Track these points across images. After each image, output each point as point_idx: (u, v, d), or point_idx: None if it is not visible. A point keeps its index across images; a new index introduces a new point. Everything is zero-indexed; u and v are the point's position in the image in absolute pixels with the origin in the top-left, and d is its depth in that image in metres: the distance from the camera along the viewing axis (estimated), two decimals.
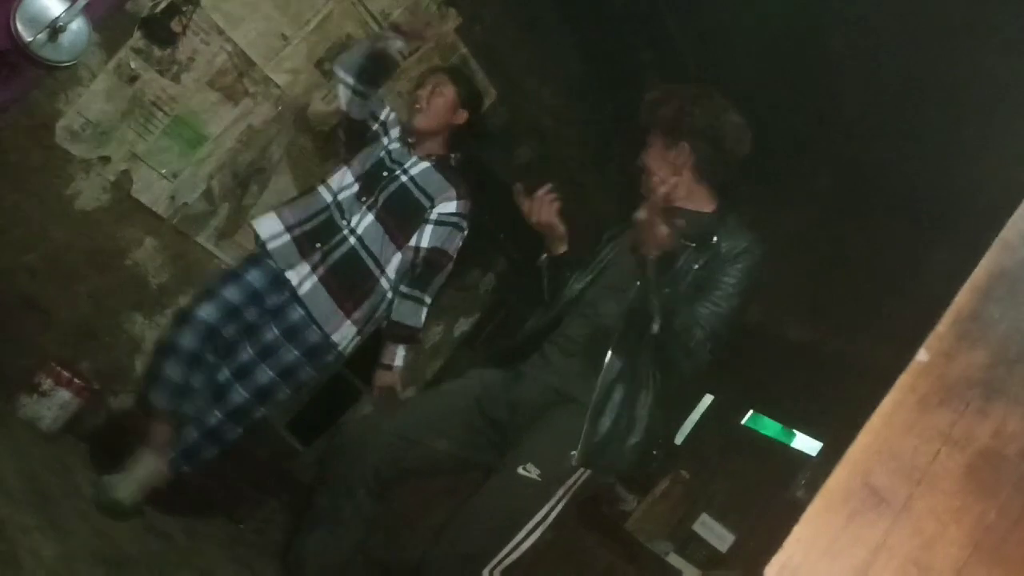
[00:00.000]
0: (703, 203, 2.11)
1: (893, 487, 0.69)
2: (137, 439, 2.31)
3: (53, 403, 2.37)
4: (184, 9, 2.40)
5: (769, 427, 4.03)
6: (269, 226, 2.42)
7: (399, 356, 2.52)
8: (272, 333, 2.39)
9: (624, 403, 1.90)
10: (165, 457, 2.29)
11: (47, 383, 2.37)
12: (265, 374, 2.37)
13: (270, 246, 2.40)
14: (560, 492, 1.90)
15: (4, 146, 2.26)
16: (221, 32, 2.50)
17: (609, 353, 1.91)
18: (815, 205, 3.33)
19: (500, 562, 1.85)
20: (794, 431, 3.96)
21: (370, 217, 2.46)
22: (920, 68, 2.39)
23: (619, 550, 3.30)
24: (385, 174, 2.52)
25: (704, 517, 3.49)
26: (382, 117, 2.62)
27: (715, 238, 1.98)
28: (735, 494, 3.61)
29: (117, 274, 2.59)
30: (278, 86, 2.68)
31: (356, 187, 2.49)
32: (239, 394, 2.37)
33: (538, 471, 1.91)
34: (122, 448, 2.32)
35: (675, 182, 1.93)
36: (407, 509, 2.98)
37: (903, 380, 0.75)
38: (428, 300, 2.54)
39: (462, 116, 2.60)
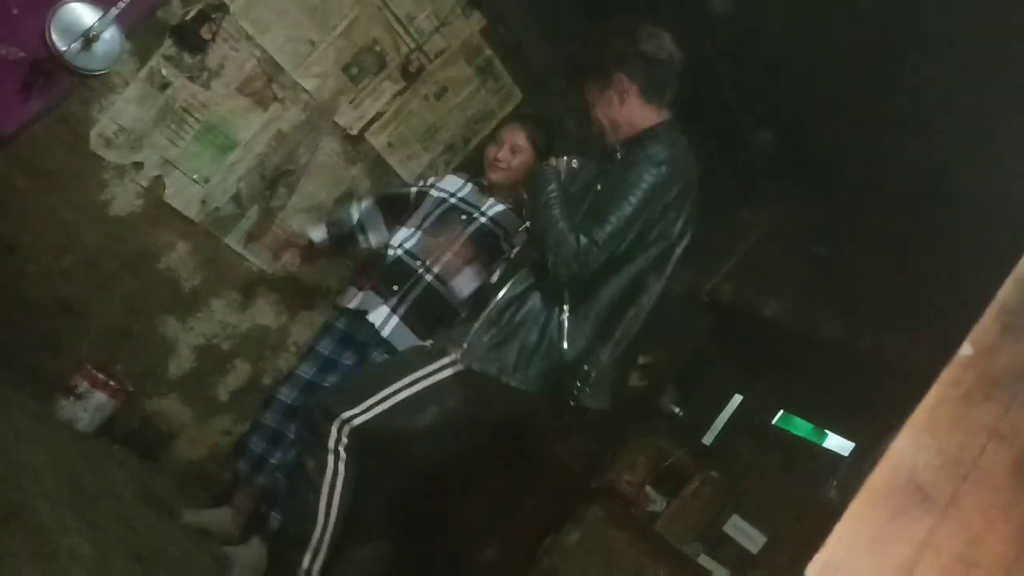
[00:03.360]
0: (652, 119, 2.07)
1: (938, 483, 0.68)
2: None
3: (89, 405, 2.42)
4: (214, 16, 2.43)
5: (800, 427, 3.98)
6: (354, 299, 2.63)
7: None
8: (352, 362, 2.59)
9: (524, 317, 1.92)
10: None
11: (83, 385, 2.41)
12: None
13: (350, 304, 2.62)
14: (445, 360, 1.95)
15: (40, 153, 2.31)
16: (250, 38, 2.53)
17: (522, 269, 1.99)
18: (849, 199, 3.28)
19: (358, 415, 1.91)
20: (826, 431, 3.90)
21: (448, 254, 2.57)
22: (957, 58, 2.35)
23: (649, 551, 3.28)
24: (464, 218, 2.62)
25: (735, 518, 3.45)
26: (430, 183, 2.77)
27: (639, 146, 1.98)
28: (766, 495, 3.57)
29: (150, 278, 2.63)
30: (306, 91, 2.71)
31: (425, 233, 2.60)
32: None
33: (431, 341, 2.09)
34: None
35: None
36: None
37: (947, 374, 0.73)
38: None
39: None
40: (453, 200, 2.67)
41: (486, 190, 2.69)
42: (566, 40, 3.37)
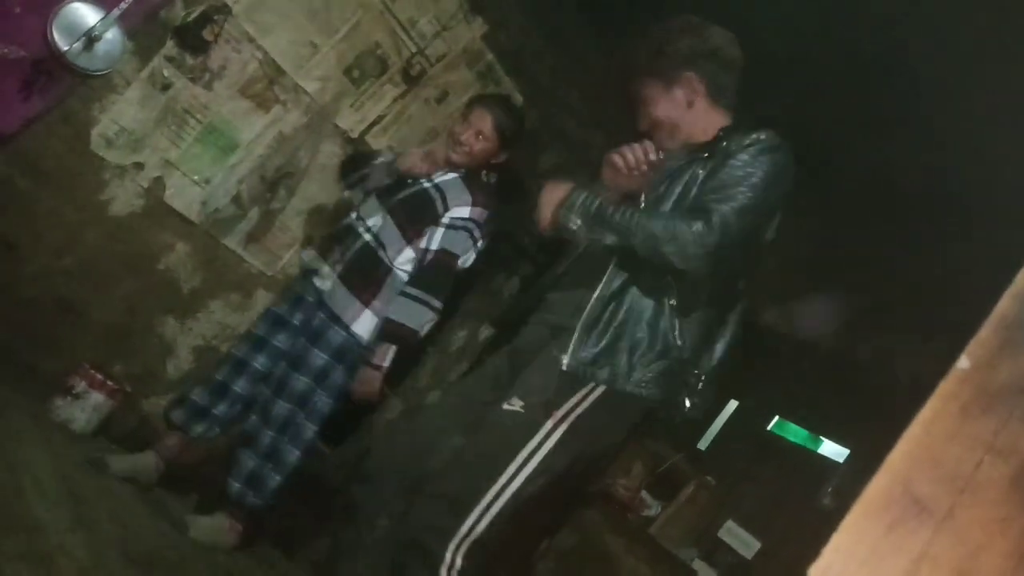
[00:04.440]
0: (719, 123, 1.92)
1: (935, 496, 0.68)
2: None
3: (87, 405, 2.41)
4: (216, 18, 2.43)
5: (795, 433, 3.99)
6: (310, 254, 2.61)
7: (388, 357, 2.44)
8: (300, 343, 2.48)
9: (627, 315, 1.72)
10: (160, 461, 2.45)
11: (81, 386, 2.41)
12: (299, 381, 2.44)
13: (306, 258, 2.59)
14: (548, 424, 1.69)
15: (41, 153, 2.31)
16: (252, 40, 2.53)
17: (610, 267, 1.78)
18: (848, 207, 3.29)
19: (475, 523, 1.65)
20: (821, 437, 3.91)
21: (383, 212, 2.53)
22: (958, 68, 2.36)
23: (644, 556, 3.28)
24: (410, 181, 2.56)
25: (730, 524, 3.46)
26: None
27: (724, 142, 1.81)
28: (761, 501, 3.58)
29: (150, 278, 2.63)
30: (308, 93, 2.71)
31: (376, 197, 2.57)
32: (281, 406, 2.43)
33: (521, 403, 1.73)
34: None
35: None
36: None
37: (944, 387, 0.74)
38: (435, 303, 2.46)
39: (501, 158, 2.62)
40: None
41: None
42: (567, 46, 3.38)
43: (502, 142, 2.58)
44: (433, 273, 2.48)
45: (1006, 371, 0.74)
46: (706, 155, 1.83)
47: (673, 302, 1.73)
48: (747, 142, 1.76)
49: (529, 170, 3.32)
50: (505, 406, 1.74)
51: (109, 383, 2.46)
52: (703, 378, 1.80)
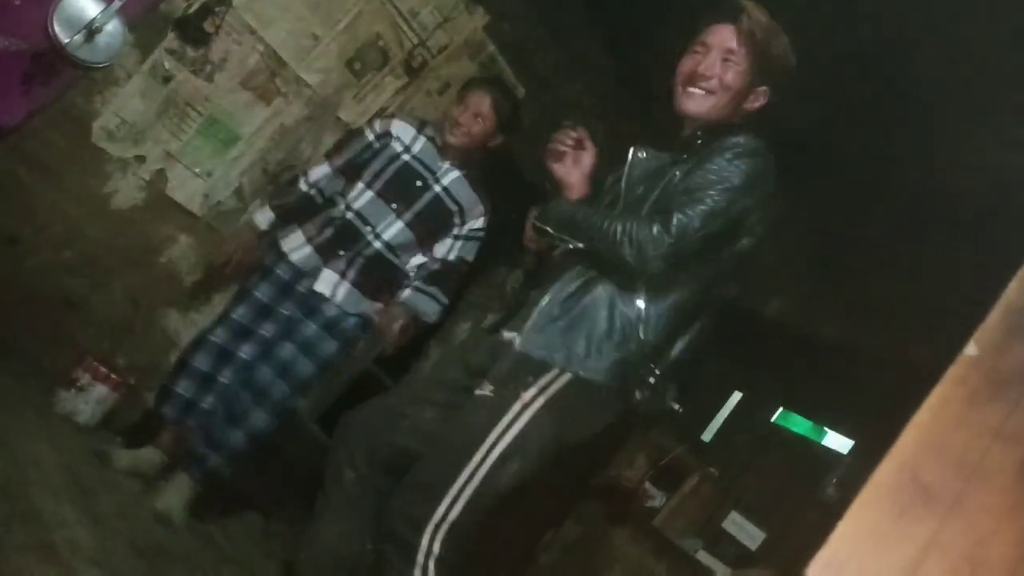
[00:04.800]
0: (729, 117, 1.88)
1: (943, 483, 0.68)
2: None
3: (90, 398, 2.42)
4: (217, 10, 2.42)
5: (799, 424, 3.99)
6: (292, 240, 2.52)
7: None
8: (292, 312, 2.49)
9: (590, 303, 1.76)
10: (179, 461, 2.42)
11: (84, 378, 2.41)
12: (286, 349, 2.43)
13: (293, 257, 2.50)
14: (516, 407, 1.70)
15: (42, 146, 2.31)
16: (253, 32, 2.53)
17: (578, 262, 1.83)
18: (852, 195, 3.27)
19: (449, 508, 1.66)
20: (825, 428, 3.91)
21: (399, 224, 2.53)
22: (960, 59, 2.35)
23: (648, 547, 3.29)
24: (419, 184, 2.56)
25: (734, 515, 3.46)
26: (379, 131, 2.63)
27: (700, 141, 1.82)
28: (765, 492, 3.58)
29: (152, 271, 2.64)
30: (309, 85, 2.71)
31: (378, 195, 2.54)
32: (264, 373, 2.41)
33: (491, 387, 1.76)
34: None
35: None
36: None
37: (952, 374, 0.73)
38: (445, 301, 2.59)
39: (498, 140, 2.62)
40: (407, 157, 2.57)
41: (440, 150, 2.60)
42: (569, 38, 3.37)
43: (500, 123, 2.58)
44: (451, 278, 2.60)
45: (1014, 357, 0.73)
46: (685, 156, 1.84)
47: (640, 297, 1.76)
48: (725, 145, 1.76)
49: (530, 164, 3.31)
50: (477, 392, 1.78)
51: (113, 376, 2.46)
52: (657, 372, 1.80)
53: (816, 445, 3.86)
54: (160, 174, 2.53)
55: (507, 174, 2.76)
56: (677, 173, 1.81)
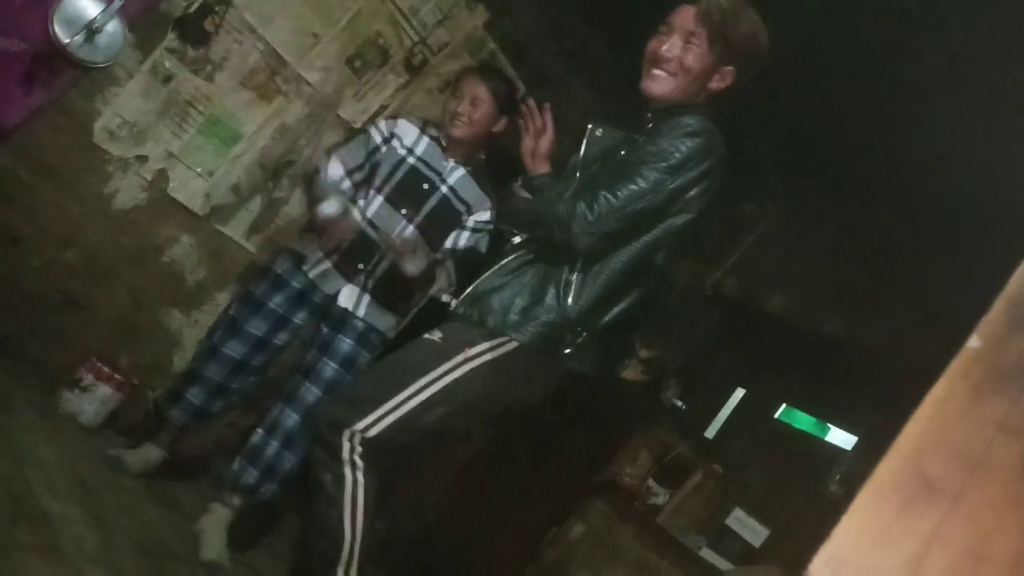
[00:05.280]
0: (693, 97, 1.92)
1: (947, 476, 0.67)
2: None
3: (94, 398, 2.42)
4: (217, 9, 2.42)
5: (802, 421, 3.98)
6: (319, 268, 2.51)
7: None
8: (311, 353, 2.52)
9: (524, 270, 1.91)
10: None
11: (88, 378, 2.42)
12: (328, 368, 2.47)
13: (312, 273, 2.50)
14: (459, 357, 1.84)
15: (43, 146, 2.31)
16: (253, 31, 2.52)
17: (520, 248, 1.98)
18: (855, 190, 3.27)
19: (370, 425, 1.80)
20: (828, 425, 3.90)
21: (411, 229, 2.53)
22: (965, 57, 2.34)
23: (651, 544, 3.28)
24: (426, 186, 2.56)
25: (737, 512, 3.45)
26: (388, 134, 2.63)
27: (651, 123, 1.90)
28: (769, 489, 3.57)
29: (155, 271, 2.63)
30: (310, 84, 2.70)
31: (387, 200, 2.54)
32: (311, 392, 2.45)
33: (441, 335, 1.91)
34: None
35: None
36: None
37: (955, 367, 0.73)
38: (453, 280, 2.58)
39: (502, 124, 2.61)
40: (412, 160, 2.58)
41: (444, 149, 2.61)
42: (570, 34, 3.36)
43: (498, 104, 2.58)
44: (460, 268, 2.57)
45: (1017, 350, 0.73)
46: (636, 136, 1.92)
47: (572, 269, 1.87)
48: (671, 125, 1.83)
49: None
50: (426, 335, 1.93)
51: (116, 376, 2.47)
52: (584, 335, 1.89)
53: (819, 441, 3.85)
54: (161, 174, 2.53)
55: (507, 176, 2.75)
56: (622, 152, 1.90)
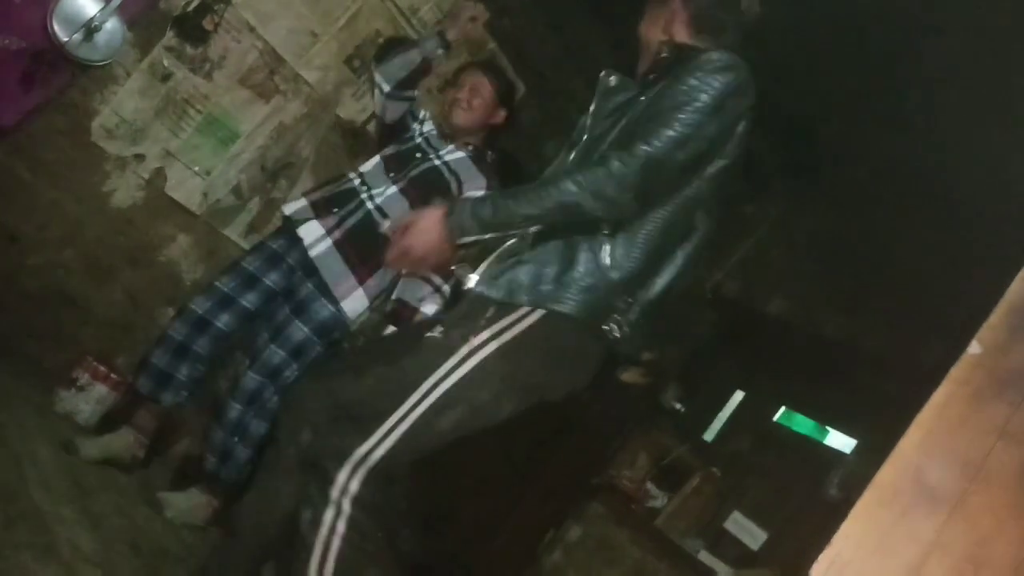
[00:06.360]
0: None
1: (947, 483, 0.67)
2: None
3: (90, 397, 2.41)
4: (216, 7, 2.42)
5: (802, 424, 3.98)
6: (294, 204, 2.48)
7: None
8: (283, 312, 2.41)
9: (552, 238, 1.61)
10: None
11: (84, 378, 2.41)
12: (276, 354, 2.38)
13: (287, 211, 2.45)
14: (464, 350, 1.56)
15: (42, 145, 2.30)
16: (252, 30, 2.52)
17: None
18: (855, 195, 3.26)
19: (375, 446, 1.54)
20: (827, 428, 3.90)
21: (394, 189, 2.47)
22: (968, 60, 2.34)
23: (650, 547, 3.28)
24: (419, 155, 2.56)
25: (736, 515, 3.45)
26: (420, 116, 2.69)
27: (669, 64, 1.69)
28: (767, 492, 3.57)
29: (152, 270, 2.63)
30: (308, 83, 2.70)
31: (383, 164, 2.53)
32: (252, 379, 2.38)
33: (441, 329, 1.64)
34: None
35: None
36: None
37: (955, 373, 0.72)
38: (437, 281, 2.43)
39: (501, 115, 2.63)
40: (419, 140, 2.61)
41: (446, 136, 2.62)
42: (570, 33, 3.36)
43: (499, 97, 2.61)
44: None
45: (1017, 357, 0.73)
46: (652, 77, 1.72)
47: (605, 237, 1.60)
48: (697, 63, 1.62)
49: (531, 158, 3.30)
50: (427, 335, 1.66)
51: (112, 375, 2.45)
52: (635, 307, 1.62)
53: (819, 444, 3.85)
54: (159, 172, 2.53)
55: (510, 175, 2.75)
56: (642, 99, 1.68)
